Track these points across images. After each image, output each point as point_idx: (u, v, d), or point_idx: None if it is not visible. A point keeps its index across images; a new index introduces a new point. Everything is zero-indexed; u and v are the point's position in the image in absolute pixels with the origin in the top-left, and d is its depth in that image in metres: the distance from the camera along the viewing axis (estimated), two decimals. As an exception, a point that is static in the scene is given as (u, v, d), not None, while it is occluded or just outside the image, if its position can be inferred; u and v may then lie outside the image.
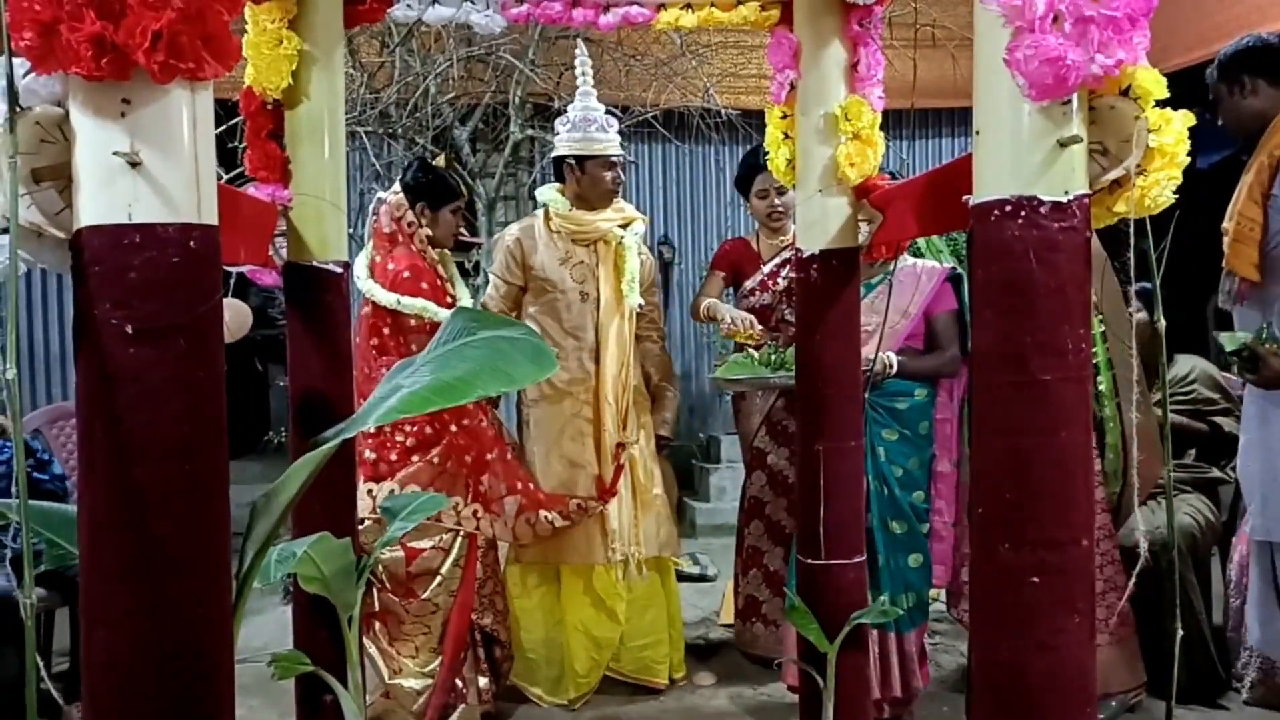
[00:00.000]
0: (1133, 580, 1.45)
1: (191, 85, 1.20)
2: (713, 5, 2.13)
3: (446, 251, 3.10)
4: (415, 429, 2.88)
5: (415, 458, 2.88)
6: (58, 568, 1.44)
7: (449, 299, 2.98)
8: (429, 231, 2.99)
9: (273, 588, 4.21)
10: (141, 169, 1.17)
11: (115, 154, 1.15)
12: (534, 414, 3.16)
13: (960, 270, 3.07)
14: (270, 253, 1.94)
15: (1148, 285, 1.43)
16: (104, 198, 1.17)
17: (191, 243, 1.20)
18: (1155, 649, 2.86)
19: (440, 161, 3.14)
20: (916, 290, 2.91)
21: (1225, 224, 2.65)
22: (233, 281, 3.36)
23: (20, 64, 1.16)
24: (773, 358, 2.98)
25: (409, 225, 2.96)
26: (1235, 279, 2.62)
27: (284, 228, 1.97)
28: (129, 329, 1.16)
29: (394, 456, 2.87)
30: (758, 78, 5.53)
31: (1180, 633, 1.48)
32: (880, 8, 2.07)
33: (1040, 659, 1.37)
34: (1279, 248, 2.54)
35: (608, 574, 3.09)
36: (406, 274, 2.89)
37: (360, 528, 2.26)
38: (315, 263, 1.98)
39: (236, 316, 3.23)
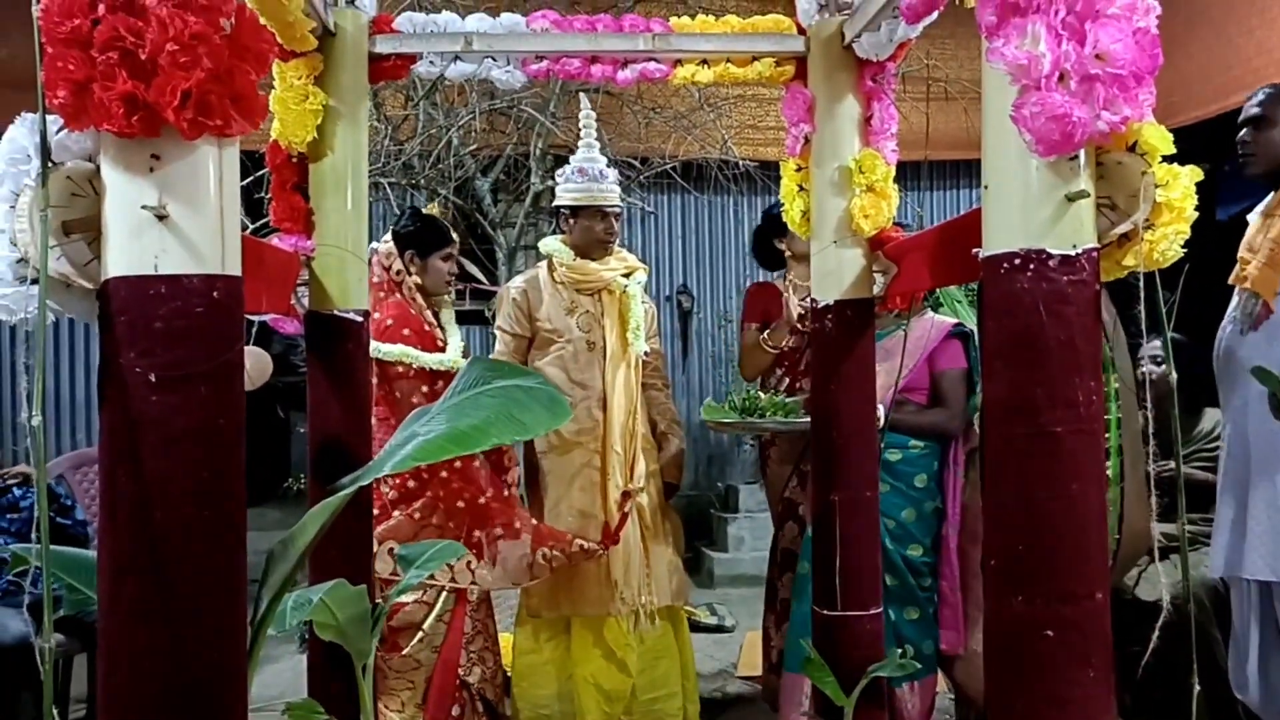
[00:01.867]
0: (1155, 634, 1.44)
1: (219, 141, 1.24)
2: (728, 61, 2.17)
3: (446, 298, 3.09)
4: (398, 481, 2.84)
5: (396, 512, 2.84)
6: (76, 613, 1.46)
7: (440, 345, 2.96)
8: (418, 280, 2.97)
9: (288, 635, 4.21)
10: (168, 222, 1.20)
11: (144, 208, 1.19)
12: (544, 464, 3.15)
13: (970, 327, 3.07)
14: (292, 301, 1.97)
15: (1176, 337, 1.43)
16: (132, 249, 1.21)
17: (215, 293, 1.23)
18: (1175, 707, 2.78)
19: (433, 209, 3.16)
20: (919, 343, 2.90)
21: (1244, 252, 2.62)
22: (254, 329, 3.40)
23: (52, 121, 1.20)
24: (770, 401, 2.98)
25: (397, 274, 2.95)
26: (1257, 301, 2.56)
27: (306, 277, 2.01)
28: (153, 377, 1.19)
29: (375, 510, 2.85)
30: (775, 130, 5.60)
31: (1197, 688, 1.46)
32: (893, 64, 2.10)
33: (1055, 714, 1.36)
34: None
35: (619, 625, 3.06)
36: (389, 322, 2.86)
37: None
38: (336, 311, 2.01)
39: (257, 364, 3.27)
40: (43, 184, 1.17)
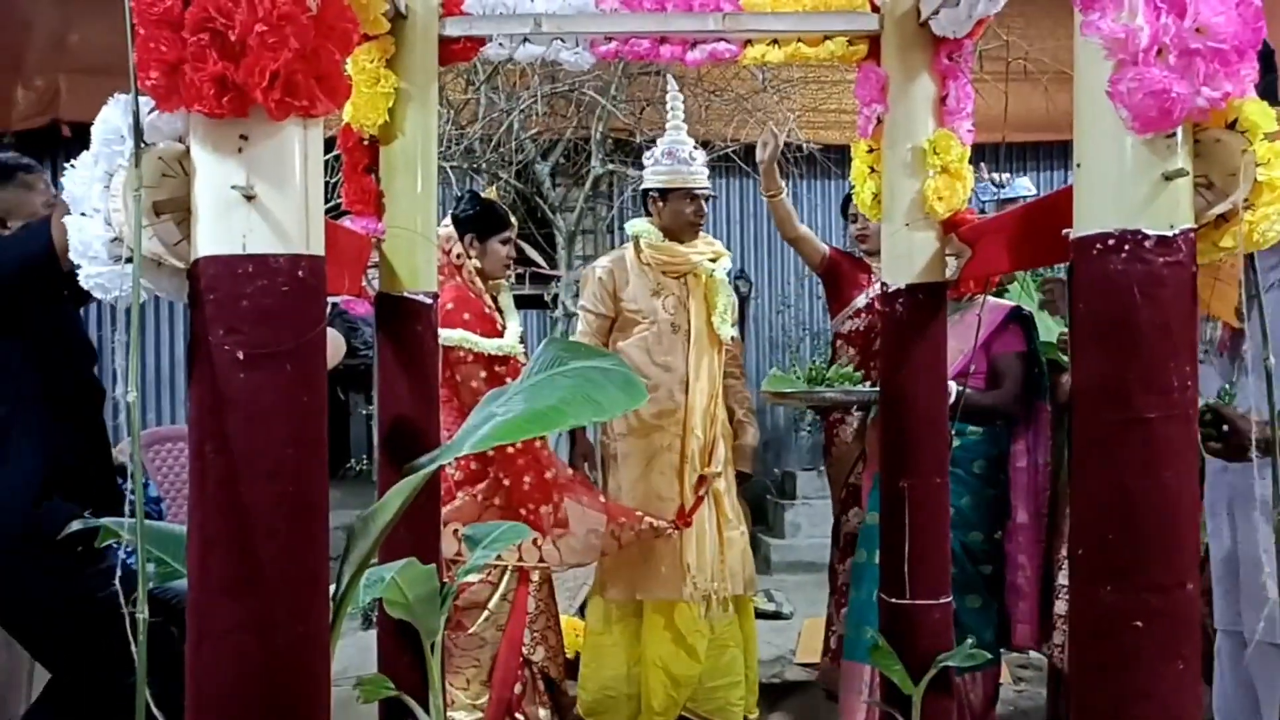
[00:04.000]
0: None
1: (304, 122, 1.25)
2: (799, 41, 2.14)
3: (503, 282, 3.10)
4: (462, 462, 2.86)
5: (461, 494, 2.87)
6: (155, 589, 1.49)
7: (499, 329, 2.98)
8: (478, 263, 2.99)
9: (351, 613, 4.27)
10: (256, 202, 1.22)
11: (233, 188, 1.20)
12: (621, 447, 3.15)
13: (1029, 310, 3.00)
14: (363, 283, 1.99)
15: None
16: (220, 229, 1.23)
17: (300, 272, 1.24)
18: None
19: (491, 193, 3.17)
20: (974, 328, 2.84)
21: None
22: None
23: (144, 102, 1.22)
24: (837, 371, 2.96)
25: (457, 257, 2.97)
26: (1218, 326, 2.29)
27: (376, 259, 2.03)
28: (240, 354, 1.21)
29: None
30: (837, 113, 5.54)
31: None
32: (970, 41, 2.06)
33: (1141, 707, 1.33)
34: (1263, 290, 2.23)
35: (690, 611, 3.06)
36: (449, 306, 2.87)
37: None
38: (406, 293, 2.03)
39: (332, 345, 3.31)
40: (136, 164, 1.18)
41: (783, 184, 3.30)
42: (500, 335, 2.96)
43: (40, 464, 2.16)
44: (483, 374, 2.89)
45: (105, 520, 1.46)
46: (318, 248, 1.28)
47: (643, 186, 3.23)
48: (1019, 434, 2.92)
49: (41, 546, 2.06)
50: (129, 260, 1.16)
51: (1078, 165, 1.34)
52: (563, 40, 2.13)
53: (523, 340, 3.10)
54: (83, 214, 1.23)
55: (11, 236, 2.16)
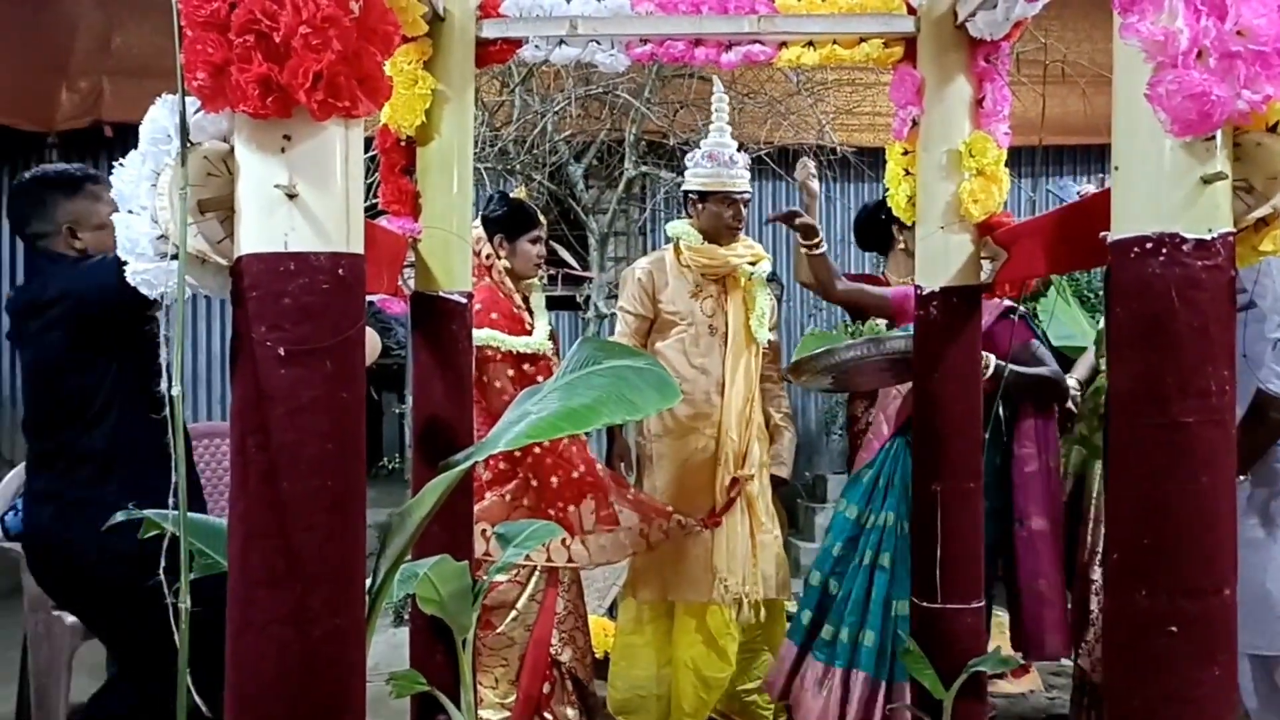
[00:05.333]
0: None
1: (346, 122, 1.27)
2: (835, 43, 2.14)
3: (535, 283, 3.11)
4: (491, 462, 2.86)
5: (490, 494, 2.87)
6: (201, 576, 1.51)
7: (527, 328, 2.98)
8: (508, 263, 3.00)
9: (383, 610, 4.31)
10: (298, 200, 1.24)
11: (276, 187, 1.22)
12: (656, 448, 3.15)
13: (1024, 308, 2.90)
14: (399, 282, 2.01)
15: None
16: (263, 227, 1.25)
17: (340, 270, 1.26)
18: None
19: (520, 193, 3.18)
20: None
21: None
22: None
23: (190, 103, 1.25)
24: (871, 327, 2.86)
25: (487, 258, 2.97)
26: None
27: (412, 259, 2.05)
28: (281, 350, 1.23)
29: None
30: (871, 115, 5.51)
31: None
32: (1007, 43, 2.05)
33: (1174, 712, 1.31)
34: None
35: (721, 613, 3.05)
36: (478, 306, 2.84)
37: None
38: (441, 293, 2.05)
39: (370, 343, 3.34)
40: (182, 163, 1.21)
41: (821, 233, 2.98)
42: (528, 335, 2.97)
43: (149, 482, 2.19)
44: (510, 372, 2.91)
45: (149, 512, 1.49)
46: (358, 246, 1.30)
47: (683, 187, 3.23)
48: (1025, 438, 2.85)
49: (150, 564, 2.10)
50: (174, 257, 1.19)
51: (1116, 168, 1.34)
52: (598, 42, 2.15)
53: (553, 338, 3.11)
54: (130, 211, 1.25)
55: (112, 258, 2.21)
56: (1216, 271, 1.27)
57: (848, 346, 2.65)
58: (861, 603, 2.75)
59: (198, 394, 6.00)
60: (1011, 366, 2.62)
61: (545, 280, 3.34)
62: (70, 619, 2.90)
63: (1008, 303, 2.83)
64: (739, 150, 3.17)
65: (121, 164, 1.27)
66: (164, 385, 1.17)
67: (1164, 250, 1.26)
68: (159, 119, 1.23)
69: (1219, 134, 1.26)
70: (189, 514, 1.32)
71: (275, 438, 1.22)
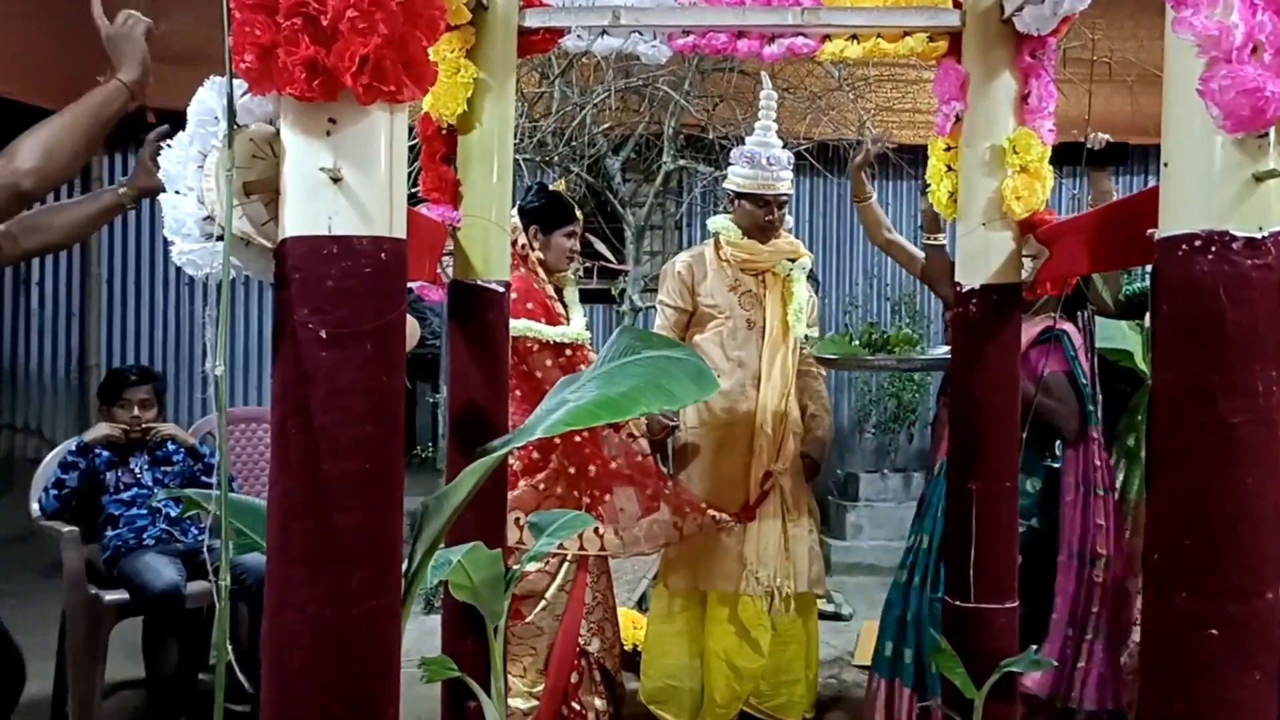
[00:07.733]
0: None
1: (390, 107, 1.28)
2: (879, 36, 2.12)
3: (569, 275, 3.11)
4: (523, 451, 2.87)
5: (522, 483, 2.88)
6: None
7: (561, 320, 2.98)
8: (541, 255, 3.00)
9: (413, 596, 4.34)
10: (342, 184, 1.25)
11: (320, 170, 1.23)
12: (691, 440, 3.17)
13: (1061, 329, 2.85)
14: (438, 270, 2.03)
15: None
16: (307, 210, 1.26)
17: (383, 254, 1.27)
18: None
19: (559, 186, 3.18)
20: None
21: None
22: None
23: (237, 85, 1.26)
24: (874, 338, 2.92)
25: (522, 248, 2.97)
26: None
27: (450, 247, 2.06)
28: (323, 333, 1.24)
29: None
30: (911, 113, 5.46)
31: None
32: (1054, 38, 2.02)
33: (1214, 716, 1.30)
34: None
35: (754, 605, 3.06)
36: (514, 296, 2.89)
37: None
38: (479, 281, 2.06)
39: (409, 328, 3.36)
40: (228, 145, 1.22)
41: (872, 190, 3.20)
42: (565, 325, 2.98)
43: None
44: (549, 361, 2.92)
45: (189, 491, 1.51)
46: (400, 230, 1.31)
47: (724, 184, 3.26)
48: (1069, 465, 2.78)
49: None
50: (219, 238, 1.20)
51: (1165, 164, 1.32)
52: (640, 33, 2.14)
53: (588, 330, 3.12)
54: (177, 192, 1.27)
55: None
56: (1267, 271, 1.25)
57: (876, 358, 2.91)
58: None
59: (234, 379, 6.07)
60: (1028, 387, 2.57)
61: (580, 273, 3.35)
62: (109, 597, 2.96)
63: (1038, 327, 2.78)
64: (782, 148, 3.17)
65: (169, 145, 1.29)
66: (208, 365, 1.18)
67: (1213, 248, 1.24)
68: (207, 100, 1.25)
69: (1271, 131, 1.24)
70: (230, 494, 1.34)
71: (315, 419, 1.24)
